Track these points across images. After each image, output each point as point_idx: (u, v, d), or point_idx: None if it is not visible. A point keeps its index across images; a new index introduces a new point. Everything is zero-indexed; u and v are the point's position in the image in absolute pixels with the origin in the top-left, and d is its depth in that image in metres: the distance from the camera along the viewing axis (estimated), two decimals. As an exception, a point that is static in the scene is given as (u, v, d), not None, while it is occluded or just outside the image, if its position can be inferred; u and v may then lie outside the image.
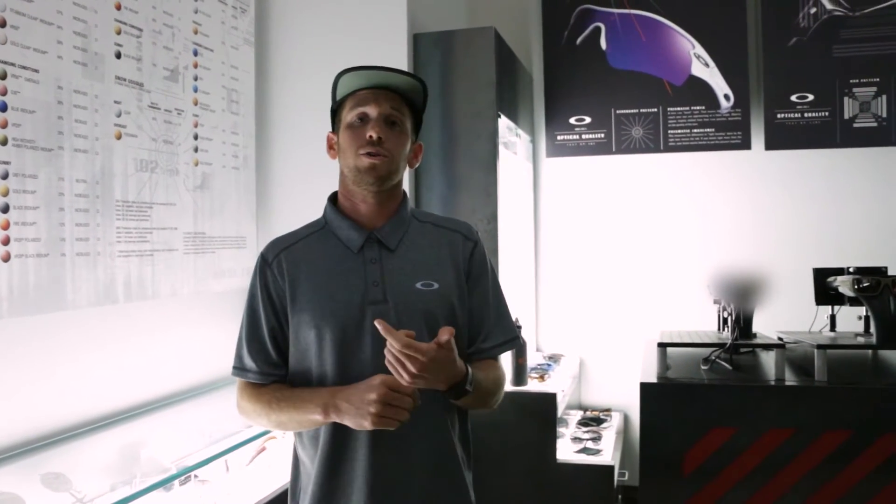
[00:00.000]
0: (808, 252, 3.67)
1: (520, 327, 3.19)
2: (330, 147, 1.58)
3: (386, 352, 1.30)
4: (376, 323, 1.30)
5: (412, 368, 1.28)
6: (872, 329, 2.74)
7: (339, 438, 1.45)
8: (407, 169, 1.57)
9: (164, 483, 2.17)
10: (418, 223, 1.59)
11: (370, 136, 1.45)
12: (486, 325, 1.56)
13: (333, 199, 1.59)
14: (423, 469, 1.47)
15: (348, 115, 1.50)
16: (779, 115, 3.92)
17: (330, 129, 1.59)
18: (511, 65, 3.57)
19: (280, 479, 2.39)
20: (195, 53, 2.65)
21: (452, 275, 1.53)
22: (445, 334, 1.31)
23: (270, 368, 1.53)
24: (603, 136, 4.16)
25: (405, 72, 1.52)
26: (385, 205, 1.53)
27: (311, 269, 1.51)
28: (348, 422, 1.37)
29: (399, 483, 1.45)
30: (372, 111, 1.48)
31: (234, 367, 1.57)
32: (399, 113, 1.50)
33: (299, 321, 1.49)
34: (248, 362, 1.54)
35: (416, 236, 1.56)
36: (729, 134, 4.00)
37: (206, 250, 2.70)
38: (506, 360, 3.13)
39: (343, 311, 1.46)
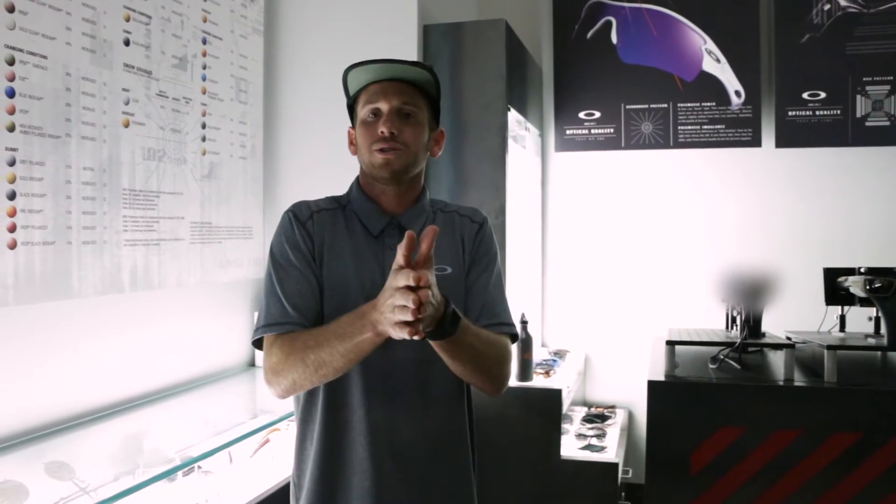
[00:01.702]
0: (818, 251, 3.65)
1: (526, 322, 3.18)
2: (350, 143, 1.56)
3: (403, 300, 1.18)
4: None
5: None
6: (883, 330, 2.72)
7: (335, 423, 1.45)
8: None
9: (168, 474, 2.16)
10: (432, 211, 1.58)
11: (381, 133, 1.44)
12: (482, 301, 1.50)
13: (358, 180, 1.58)
14: (427, 447, 1.46)
15: (362, 111, 1.48)
16: (790, 113, 3.88)
17: (350, 125, 1.57)
18: (521, 58, 3.54)
19: (283, 471, 2.38)
20: (204, 42, 2.63)
21: (461, 259, 1.53)
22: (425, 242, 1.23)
23: (315, 317, 1.44)
24: (612, 131, 4.13)
25: (413, 62, 1.49)
26: (405, 195, 1.52)
27: (334, 242, 1.49)
28: (391, 333, 1.24)
29: (402, 462, 1.44)
30: (383, 106, 1.46)
31: (268, 325, 1.43)
32: (412, 104, 1.48)
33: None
34: (291, 312, 1.42)
35: (430, 223, 1.53)
36: (739, 131, 3.97)
37: (212, 240, 2.68)
38: (511, 355, 3.11)
39: (359, 292, 1.43)
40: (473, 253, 1.55)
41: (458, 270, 1.51)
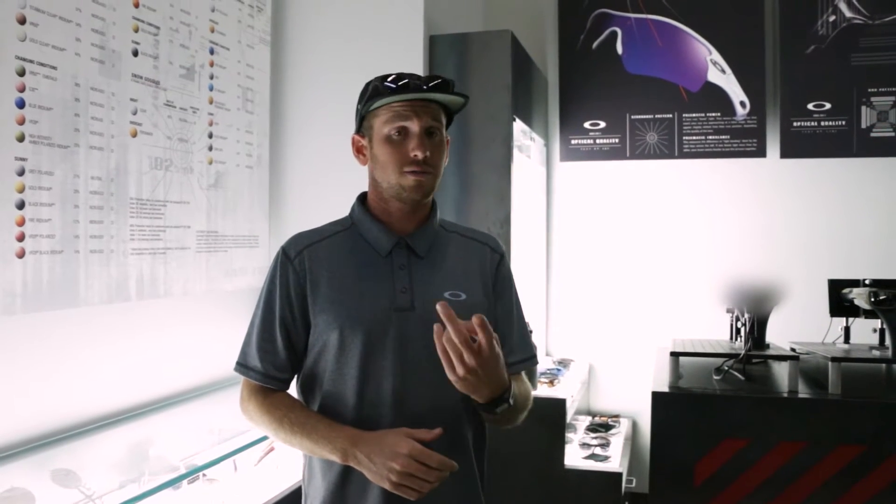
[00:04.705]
0: (822, 262, 3.65)
1: (530, 332, 3.18)
2: (358, 151, 1.53)
3: (444, 340, 1.25)
4: (438, 306, 1.24)
5: (469, 362, 1.24)
6: (888, 342, 2.72)
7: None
8: None
9: (173, 482, 2.17)
10: (445, 232, 1.57)
11: (415, 156, 1.41)
12: (510, 340, 1.53)
13: (363, 198, 1.55)
14: (442, 491, 1.40)
15: (385, 127, 1.43)
16: (795, 124, 3.89)
17: (355, 132, 1.53)
18: (527, 68, 3.56)
19: (288, 479, 2.39)
20: (211, 52, 2.65)
21: (479, 287, 1.51)
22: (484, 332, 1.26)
23: (276, 372, 1.49)
24: (617, 141, 4.14)
25: (451, 90, 1.45)
26: (417, 211, 1.50)
27: (336, 269, 1.47)
28: (368, 476, 1.34)
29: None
30: (413, 126, 1.42)
31: (238, 364, 1.51)
32: (437, 121, 1.45)
33: (319, 322, 1.45)
34: (254, 361, 1.49)
35: (444, 245, 1.53)
36: (744, 141, 3.97)
37: (218, 249, 2.69)
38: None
39: (369, 316, 1.43)
40: (497, 285, 1.55)
41: (473, 297, 1.49)
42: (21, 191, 1.87)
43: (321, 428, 1.40)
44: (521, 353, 1.55)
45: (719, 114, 4.00)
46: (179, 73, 2.48)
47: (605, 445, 3.57)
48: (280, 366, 1.49)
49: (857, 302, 2.79)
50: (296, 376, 1.55)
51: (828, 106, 3.85)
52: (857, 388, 2.58)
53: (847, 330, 2.97)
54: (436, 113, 1.45)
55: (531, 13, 4.25)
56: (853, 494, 2.43)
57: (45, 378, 2.05)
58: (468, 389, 1.29)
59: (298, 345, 1.50)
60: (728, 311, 3.18)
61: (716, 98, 4.00)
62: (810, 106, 3.87)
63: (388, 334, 1.42)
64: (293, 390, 1.55)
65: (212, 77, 2.65)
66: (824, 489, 2.45)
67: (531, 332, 3.13)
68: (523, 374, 1.57)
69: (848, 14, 3.81)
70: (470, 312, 1.43)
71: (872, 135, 3.80)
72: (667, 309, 4.00)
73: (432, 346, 1.38)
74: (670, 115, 4.06)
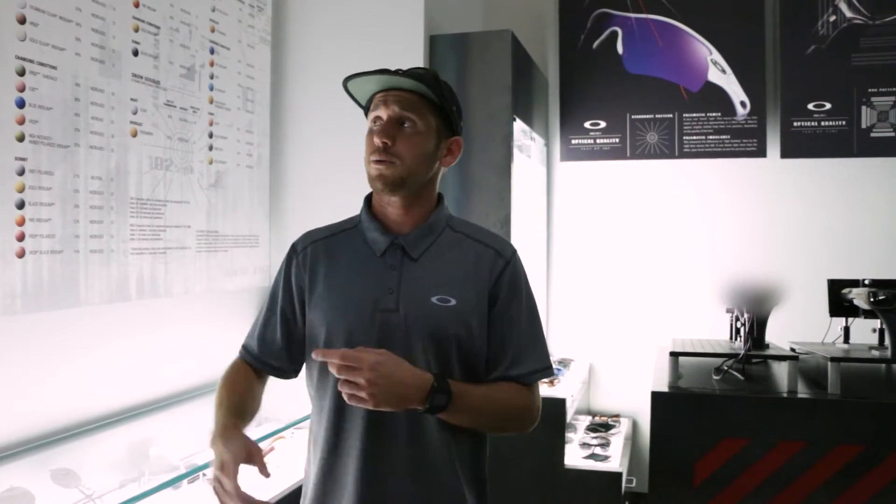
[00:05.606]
0: (822, 262, 3.64)
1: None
2: None
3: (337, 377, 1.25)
4: (313, 354, 1.27)
5: (361, 381, 1.22)
6: (887, 342, 2.72)
7: (335, 446, 1.43)
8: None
9: (174, 482, 2.17)
10: (452, 233, 1.50)
11: (375, 143, 1.41)
12: (513, 349, 1.44)
13: (369, 197, 1.54)
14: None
15: (369, 121, 1.46)
16: (795, 124, 3.89)
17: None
18: (527, 68, 3.56)
19: (288, 479, 2.39)
20: (211, 52, 2.65)
21: (474, 293, 1.43)
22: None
23: (265, 356, 1.52)
24: (618, 140, 4.14)
25: (410, 72, 1.43)
26: (412, 210, 1.46)
27: (332, 266, 1.48)
28: None
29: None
30: (382, 114, 1.42)
31: (244, 344, 1.57)
32: (411, 112, 1.42)
33: (311, 318, 1.47)
34: (250, 341, 1.55)
35: (444, 247, 1.47)
36: (745, 141, 3.97)
37: (218, 249, 2.70)
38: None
39: (353, 314, 1.42)
40: (499, 293, 1.45)
41: (465, 303, 1.41)
42: (21, 191, 1.88)
43: (220, 410, 1.43)
44: (527, 366, 1.44)
45: (719, 114, 4.00)
46: (180, 72, 2.48)
47: (605, 445, 3.58)
48: (273, 351, 1.53)
49: (856, 302, 2.79)
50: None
51: (828, 106, 3.85)
52: (856, 388, 2.58)
53: (846, 330, 2.97)
54: (409, 103, 1.42)
55: (531, 13, 4.26)
56: (852, 494, 2.43)
57: (45, 378, 2.06)
58: (389, 407, 1.28)
59: (295, 336, 1.52)
60: (728, 311, 3.18)
61: (716, 98, 4.00)
62: (810, 106, 3.87)
63: (370, 335, 1.39)
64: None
65: (212, 77, 2.66)
66: (824, 489, 2.45)
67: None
68: (534, 386, 1.47)
69: (848, 14, 3.81)
70: (459, 319, 1.41)
71: (872, 135, 3.80)
72: (667, 309, 4.00)
73: (414, 350, 1.38)
74: (670, 115, 4.06)
